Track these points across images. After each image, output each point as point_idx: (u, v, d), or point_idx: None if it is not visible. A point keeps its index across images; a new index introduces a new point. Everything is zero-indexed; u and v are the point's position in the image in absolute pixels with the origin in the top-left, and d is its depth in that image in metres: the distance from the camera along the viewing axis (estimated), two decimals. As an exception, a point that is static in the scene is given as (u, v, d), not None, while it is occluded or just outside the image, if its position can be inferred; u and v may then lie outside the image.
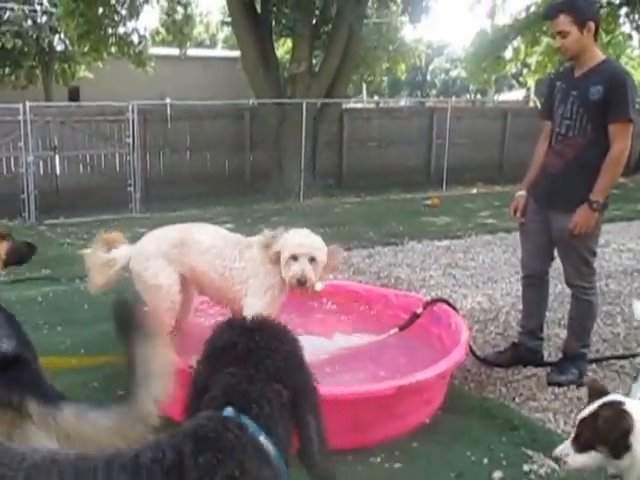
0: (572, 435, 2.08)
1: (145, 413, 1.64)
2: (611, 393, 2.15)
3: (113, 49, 14.48)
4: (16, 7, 20.50)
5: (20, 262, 2.84)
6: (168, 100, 13.49)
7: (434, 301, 4.06)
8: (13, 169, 10.03)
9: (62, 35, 20.97)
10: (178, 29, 16.18)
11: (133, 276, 3.61)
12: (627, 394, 2.42)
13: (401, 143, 13.77)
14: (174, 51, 18.13)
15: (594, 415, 2.02)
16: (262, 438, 1.31)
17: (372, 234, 8.03)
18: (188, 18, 16.64)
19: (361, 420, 2.89)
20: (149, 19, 55.23)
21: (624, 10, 15.71)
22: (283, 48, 17.77)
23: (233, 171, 12.39)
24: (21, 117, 9.35)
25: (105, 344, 3.84)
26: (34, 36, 20.82)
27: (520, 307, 4.11)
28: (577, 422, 2.09)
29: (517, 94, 35.45)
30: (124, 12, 13.81)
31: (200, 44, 32.45)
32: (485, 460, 2.83)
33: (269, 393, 1.36)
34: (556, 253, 3.68)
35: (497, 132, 14.85)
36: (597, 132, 3.36)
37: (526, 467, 2.78)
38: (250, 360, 1.39)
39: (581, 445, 2.02)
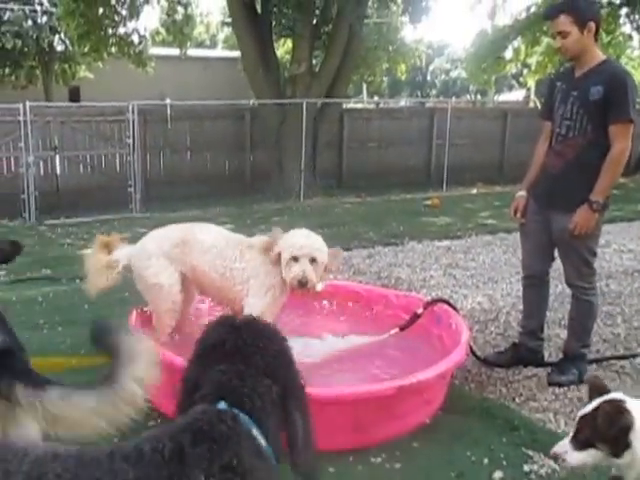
0: (571, 432, 2.07)
1: (128, 393, 1.69)
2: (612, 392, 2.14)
3: (113, 49, 14.47)
4: (16, 7, 20.50)
5: (5, 261, 2.85)
6: (168, 100, 13.52)
7: (434, 301, 4.06)
8: (13, 169, 10.03)
9: (62, 35, 20.98)
10: (178, 29, 16.18)
11: (134, 275, 3.61)
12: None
13: (401, 143, 13.77)
14: (174, 51, 18.13)
15: (594, 412, 2.01)
16: (254, 431, 1.33)
17: (372, 234, 8.03)
18: (188, 18, 16.64)
19: (361, 420, 2.88)
20: (149, 19, 55.37)
21: (624, 10, 15.70)
22: (283, 48, 17.77)
23: (233, 171, 12.40)
24: (21, 117, 9.35)
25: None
26: (34, 36, 20.81)
27: (520, 307, 4.11)
28: (577, 419, 2.08)
29: (517, 94, 35.45)
30: (124, 12, 13.81)
31: (200, 44, 32.48)
32: (485, 460, 2.83)
33: (260, 388, 1.38)
34: (556, 253, 3.68)
35: (497, 132, 14.86)
36: (597, 132, 3.36)
37: (526, 467, 2.78)
38: (239, 356, 1.42)
39: (580, 442, 2.01)
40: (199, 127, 11.95)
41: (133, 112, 10.15)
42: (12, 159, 10.08)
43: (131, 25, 14.60)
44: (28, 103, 9.45)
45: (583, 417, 2.04)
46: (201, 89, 22.20)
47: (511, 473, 2.74)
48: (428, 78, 43.14)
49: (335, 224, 8.61)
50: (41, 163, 10.40)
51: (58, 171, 10.78)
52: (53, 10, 19.79)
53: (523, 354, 3.84)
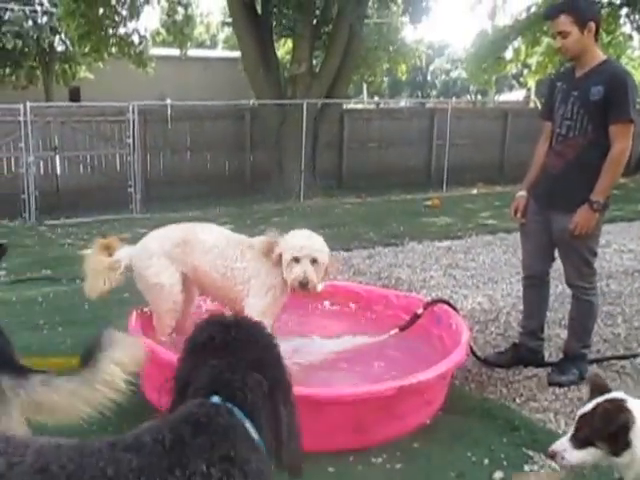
0: (571, 431, 2.06)
1: (107, 375, 1.75)
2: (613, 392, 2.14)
3: (114, 50, 14.49)
4: (17, 7, 20.52)
5: None
6: (168, 100, 13.54)
7: (435, 302, 4.05)
8: (13, 169, 10.04)
9: (63, 35, 21.01)
10: (179, 30, 16.20)
11: (135, 275, 3.60)
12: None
13: (401, 144, 13.77)
14: (175, 52, 18.14)
15: (594, 410, 2.00)
16: (247, 424, 1.35)
17: (372, 235, 8.03)
18: (189, 19, 16.66)
19: (362, 421, 2.88)
20: (150, 20, 55.40)
21: (625, 10, 15.71)
22: (284, 48, 17.77)
23: (233, 171, 12.40)
24: (21, 117, 9.35)
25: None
26: (35, 36, 20.84)
27: (521, 307, 4.11)
28: (577, 417, 2.07)
29: (517, 95, 35.45)
30: (125, 13, 13.82)
31: (201, 45, 32.49)
32: (486, 461, 2.83)
33: (251, 382, 1.40)
34: (557, 253, 3.68)
35: (497, 133, 14.86)
36: (598, 132, 3.35)
37: (527, 468, 2.78)
38: (229, 352, 1.44)
39: (580, 441, 2.00)
40: (199, 127, 11.96)
41: (133, 112, 10.16)
42: (12, 159, 10.09)
43: (131, 25, 14.66)
44: (28, 103, 9.46)
45: (583, 415, 2.03)
46: (201, 89, 22.22)
47: (511, 473, 2.73)
48: (428, 78, 43.15)
49: (335, 224, 8.61)
50: (41, 163, 10.40)
51: (58, 171, 10.79)
52: (53, 10, 19.81)
53: (523, 354, 3.83)
